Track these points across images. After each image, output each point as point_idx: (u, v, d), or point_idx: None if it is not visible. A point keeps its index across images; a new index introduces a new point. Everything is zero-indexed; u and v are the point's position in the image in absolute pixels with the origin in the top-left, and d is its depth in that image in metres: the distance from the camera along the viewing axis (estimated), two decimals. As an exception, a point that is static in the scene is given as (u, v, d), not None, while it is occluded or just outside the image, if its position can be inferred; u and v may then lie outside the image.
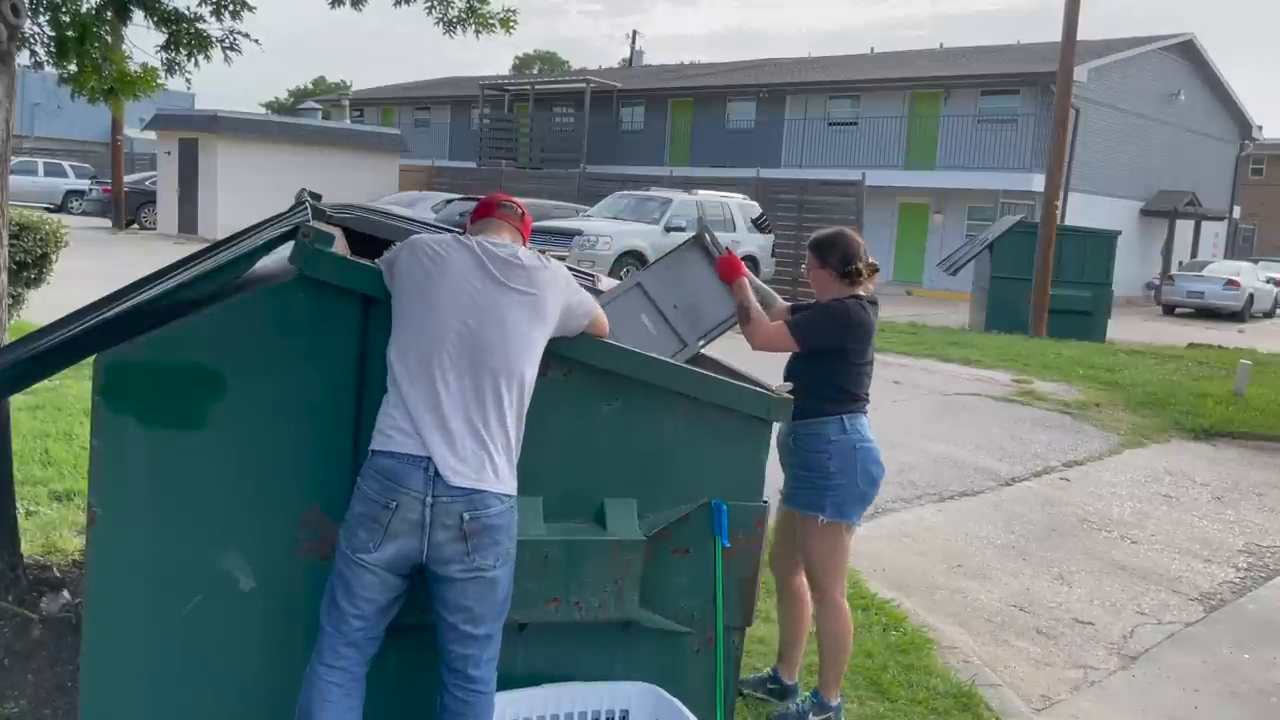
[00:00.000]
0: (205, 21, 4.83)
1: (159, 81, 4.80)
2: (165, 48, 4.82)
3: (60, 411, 6.22)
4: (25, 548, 3.88)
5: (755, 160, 26.31)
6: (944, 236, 25.67)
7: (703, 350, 3.32)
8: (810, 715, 3.51)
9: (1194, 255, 30.12)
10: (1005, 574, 5.48)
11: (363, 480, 2.40)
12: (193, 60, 4.87)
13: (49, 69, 4.66)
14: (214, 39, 4.87)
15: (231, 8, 4.87)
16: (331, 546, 2.48)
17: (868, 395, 3.49)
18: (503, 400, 2.43)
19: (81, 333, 2.62)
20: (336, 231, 2.61)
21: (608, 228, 16.82)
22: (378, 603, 2.42)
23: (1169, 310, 25.51)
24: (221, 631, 2.56)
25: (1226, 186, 32.99)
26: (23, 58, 4.23)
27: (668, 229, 16.88)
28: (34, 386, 5.24)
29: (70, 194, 30.14)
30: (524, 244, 2.70)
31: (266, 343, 2.50)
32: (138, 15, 4.64)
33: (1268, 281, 26.93)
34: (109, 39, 4.52)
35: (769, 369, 3.44)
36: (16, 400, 5.60)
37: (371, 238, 3.27)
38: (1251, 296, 25.03)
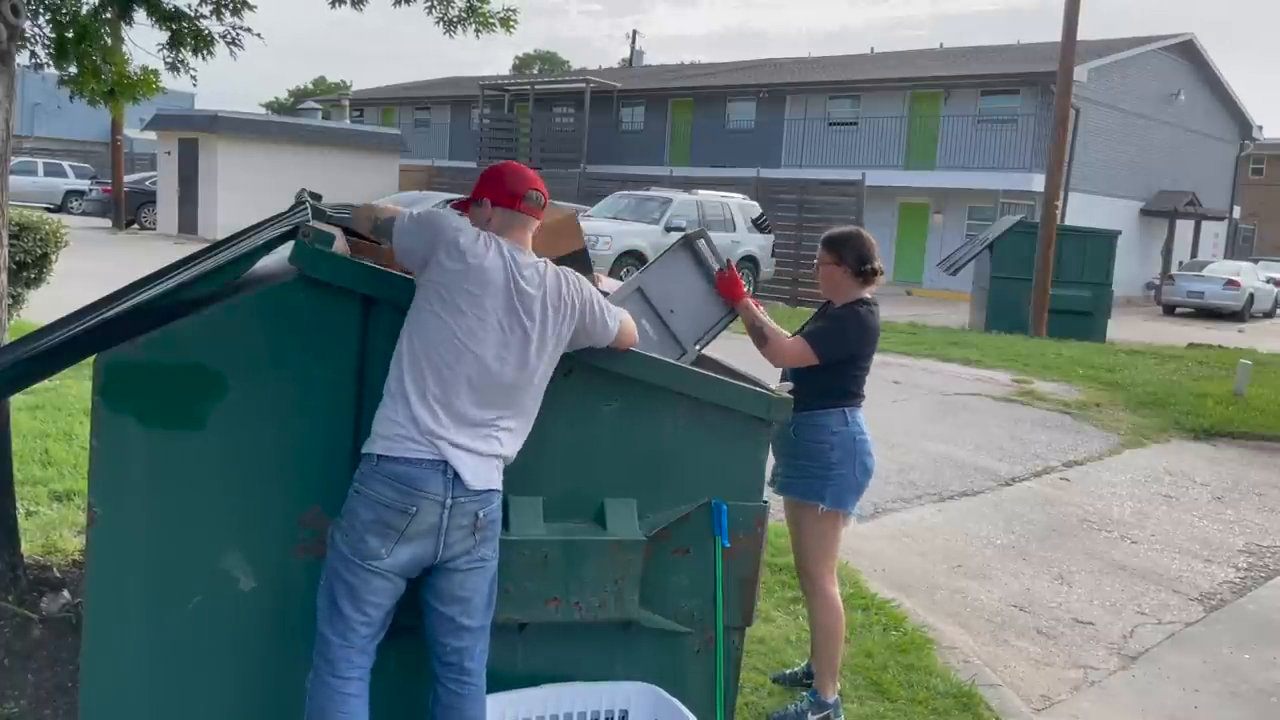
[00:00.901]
0: (206, 19, 4.83)
1: (159, 85, 4.80)
2: (168, 46, 4.82)
3: (60, 411, 6.22)
4: (25, 548, 3.88)
5: (755, 160, 26.30)
6: (944, 236, 25.67)
7: (703, 350, 3.33)
8: (809, 715, 3.51)
9: (1194, 255, 30.13)
10: (1005, 574, 5.48)
11: (368, 486, 2.37)
12: (199, 56, 4.87)
13: (49, 70, 4.66)
14: (216, 35, 4.86)
15: (232, 6, 4.86)
16: (331, 546, 2.48)
17: (864, 391, 3.55)
18: (515, 416, 2.49)
19: (81, 333, 2.62)
20: (336, 231, 2.61)
21: (608, 228, 16.82)
22: (385, 607, 2.43)
23: (1169, 310, 25.52)
24: (221, 631, 2.56)
25: (1226, 186, 32.99)
26: (23, 58, 4.23)
27: (668, 229, 16.87)
28: (34, 386, 5.24)
29: (70, 194, 30.14)
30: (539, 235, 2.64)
31: (266, 343, 2.50)
32: (139, 15, 4.64)
33: (1268, 281, 26.93)
34: (108, 40, 4.52)
35: (769, 369, 3.45)
36: (16, 400, 5.60)
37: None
38: (1251, 296, 25.03)
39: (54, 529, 4.39)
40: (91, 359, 2.49)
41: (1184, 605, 5.23)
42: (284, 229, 2.69)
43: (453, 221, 2.46)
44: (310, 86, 59.61)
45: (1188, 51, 29.28)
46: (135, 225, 25.80)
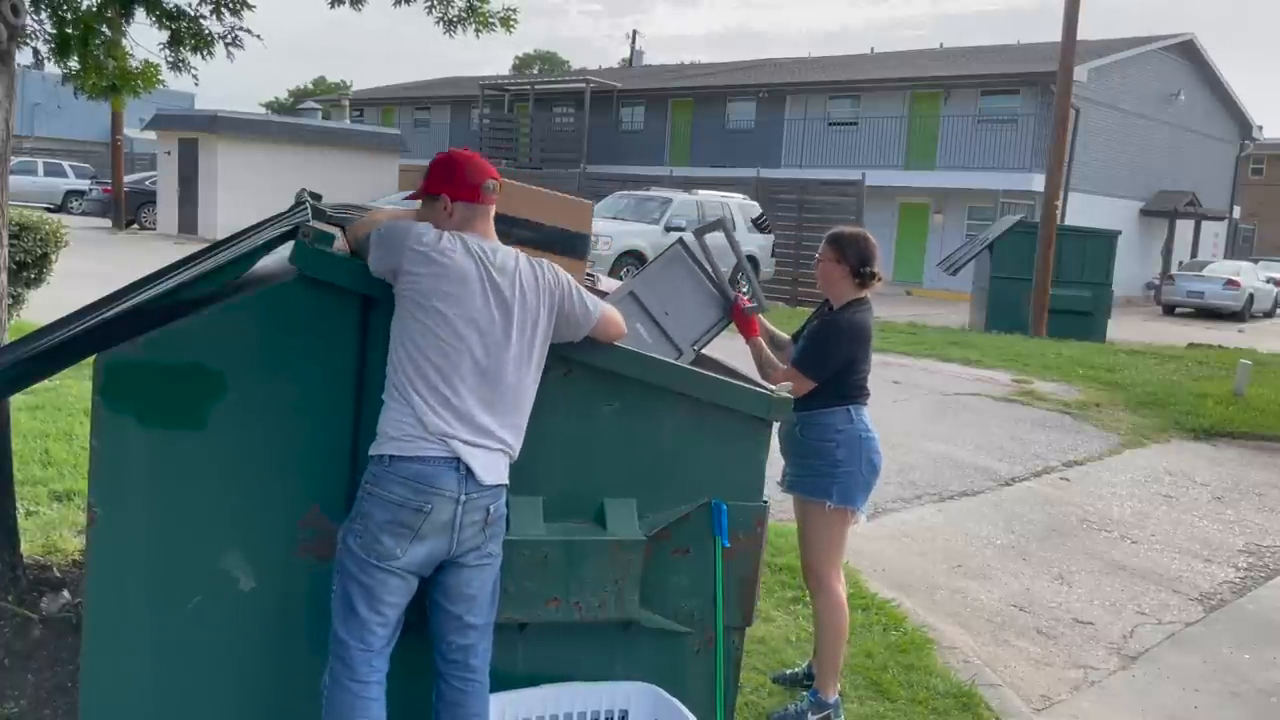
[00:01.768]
0: (206, 19, 4.83)
1: (160, 78, 4.80)
2: (169, 45, 4.82)
3: (60, 411, 6.22)
4: (25, 548, 3.88)
5: (755, 160, 26.29)
6: (944, 236, 25.67)
7: (703, 350, 3.33)
8: (809, 714, 3.52)
9: (1194, 255, 30.12)
10: (1005, 574, 5.48)
11: (382, 487, 2.37)
12: (199, 55, 4.87)
13: (50, 68, 4.66)
14: (216, 35, 4.86)
15: (231, 6, 4.86)
16: (331, 546, 2.48)
17: (869, 388, 3.55)
18: (513, 410, 2.49)
19: (81, 333, 2.62)
20: (336, 231, 2.61)
21: (608, 228, 16.81)
22: (400, 607, 2.44)
23: (1169, 310, 25.51)
24: (221, 631, 2.56)
25: (1226, 186, 32.99)
26: (24, 56, 4.23)
27: (668, 229, 16.87)
28: (34, 386, 5.24)
29: (70, 194, 30.13)
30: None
31: (266, 343, 2.50)
32: (139, 14, 4.64)
33: (1268, 281, 26.93)
34: (111, 35, 4.52)
35: (769, 369, 3.45)
36: (16, 400, 5.60)
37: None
38: (1251, 296, 25.03)
39: (54, 529, 4.39)
40: (91, 359, 2.49)
41: (1184, 605, 5.23)
42: (284, 229, 2.68)
43: (414, 230, 2.43)
44: (310, 86, 59.61)
45: (1188, 51, 29.28)
46: (135, 225, 25.80)
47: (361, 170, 26.14)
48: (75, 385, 6.60)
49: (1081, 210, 23.33)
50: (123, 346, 2.44)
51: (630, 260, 16.09)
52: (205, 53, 4.87)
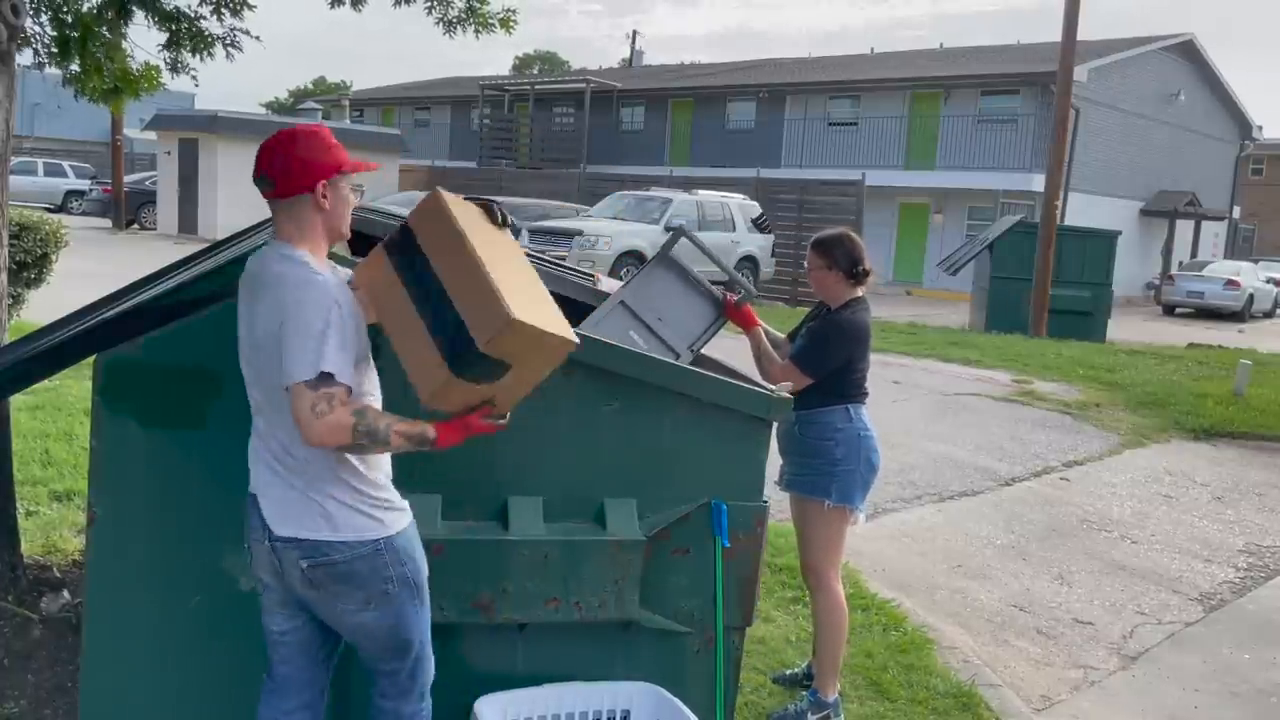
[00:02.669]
0: (206, 20, 4.84)
1: (161, 80, 4.80)
2: (167, 46, 4.82)
3: (60, 411, 6.22)
4: (25, 548, 3.88)
5: (755, 160, 26.30)
6: (944, 236, 25.67)
7: (702, 350, 3.33)
8: (809, 714, 3.52)
9: (1194, 255, 30.12)
10: (1005, 574, 5.48)
11: None
12: (197, 57, 4.88)
13: (51, 69, 4.66)
14: (215, 37, 4.87)
15: (231, 6, 4.87)
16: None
17: (867, 387, 3.57)
18: (292, 439, 2.12)
19: (81, 333, 2.62)
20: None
21: (608, 228, 16.82)
22: (286, 634, 2.30)
23: (1169, 310, 25.51)
24: (221, 631, 2.56)
25: (1226, 186, 32.98)
26: (25, 57, 4.23)
27: (668, 229, 16.86)
28: (34, 386, 5.24)
29: (70, 194, 30.14)
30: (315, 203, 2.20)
31: (266, 343, 2.50)
32: (138, 15, 4.64)
33: (1268, 281, 26.93)
34: (111, 38, 4.52)
35: (769, 369, 3.45)
36: (16, 400, 5.60)
37: (371, 238, 3.28)
38: (1251, 296, 25.03)
39: (54, 529, 4.40)
40: (91, 359, 2.49)
41: (1184, 605, 5.23)
42: (284, 229, 2.68)
43: (330, 297, 2.08)
44: (310, 86, 59.61)
45: (1188, 51, 29.28)
46: (135, 225, 25.81)
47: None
48: (75, 385, 6.60)
49: (1081, 210, 23.32)
50: (123, 346, 2.44)
51: (630, 260, 16.09)
52: (204, 54, 4.87)
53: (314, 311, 2.03)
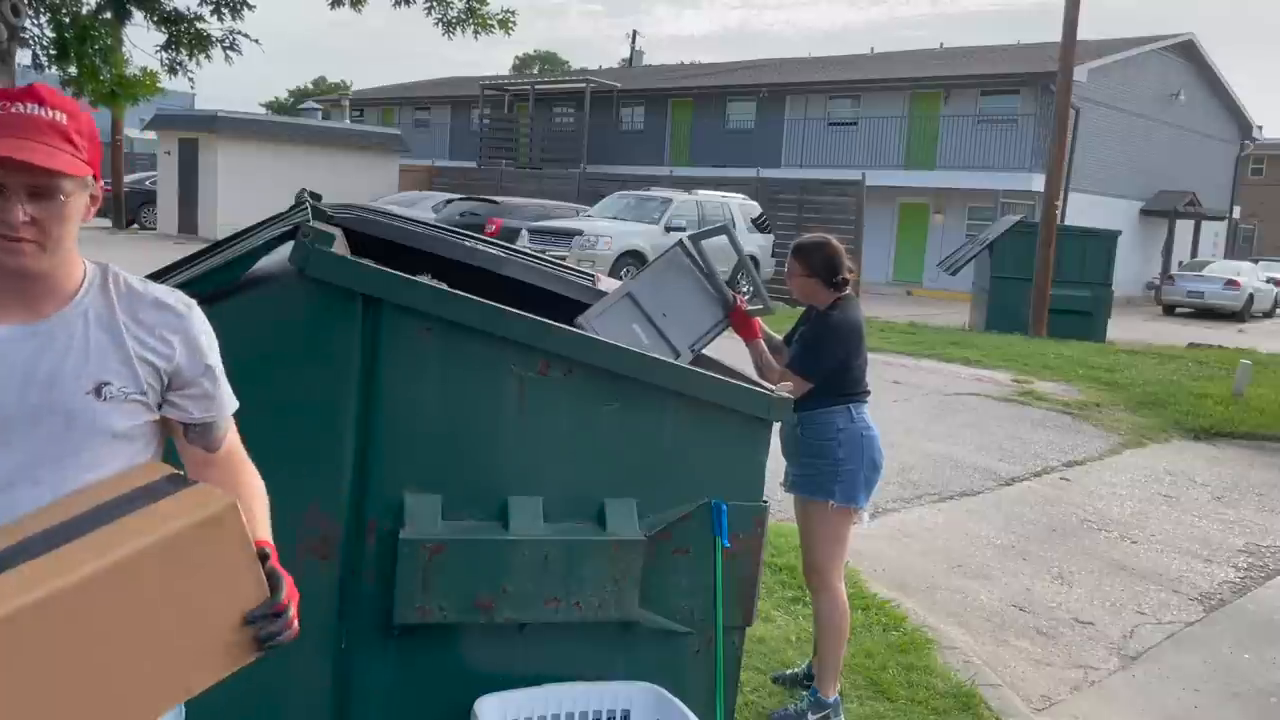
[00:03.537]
0: (205, 21, 4.85)
1: (159, 85, 4.81)
2: (165, 47, 4.83)
3: (60, 412, 6.22)
4: (25, 548, 3.87)
5: (755, 160, 26.32)
6: (944, 236, 25.67)
7: (703, 350, 3.33)
8: (809, 714, 3.52)
9: (1194, 255, 30.13)
10: (1005, 574, 5.48)
11: None
12: (194, 60, 4.89)
13: (49, 70, 4.67)
14: (214, 39, 4.88)
15: (231, 6, 4.87)
16: (332, 546, 2.48)
17: (868, 385, 3.57)
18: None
19: (81, 333, 2.61)
20: (336, 231, 2.61)
21: (608, 228, 16.82)
22: None
23: (1169, 310, 25.52)
24: (221, 631, 2.56)
25: (1226, 186, 32.99)
26: (24, 58, 4.24)
27: (668, 229, 16.87)
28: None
29: (70, 194, 30.09)
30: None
31: (266, 343, 2.50)
32: (137, 16, 4.64)
33: (1268, 281, 26.94)
34: (108, 41, 4.53)
35: (769, 369, 3.45)
36: (17, 400, 5.59)
37: (371, 238, 3.28)
38: (1251, 296, 25.04)
39: (54, 529, 4.39)
40: (91, 359, 2.49)
41: (1184, 605, 5.23)
42: (284, 229, 2.69)
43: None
44: (310, 87, 59.62)
45: (1188, 51, 29.28)
46: (135, 225, 25.83)
47: (361, 170, 26.16)
48: (75, 385, 6.60)
49: (1081, 210, 23.33)
50: (123, 347, 2.44)
51: (630, 260, 16.09)
52: (203, 56, 4.89)
53: None
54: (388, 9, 5.54)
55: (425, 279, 2.68)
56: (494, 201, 20.68)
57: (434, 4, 5.03)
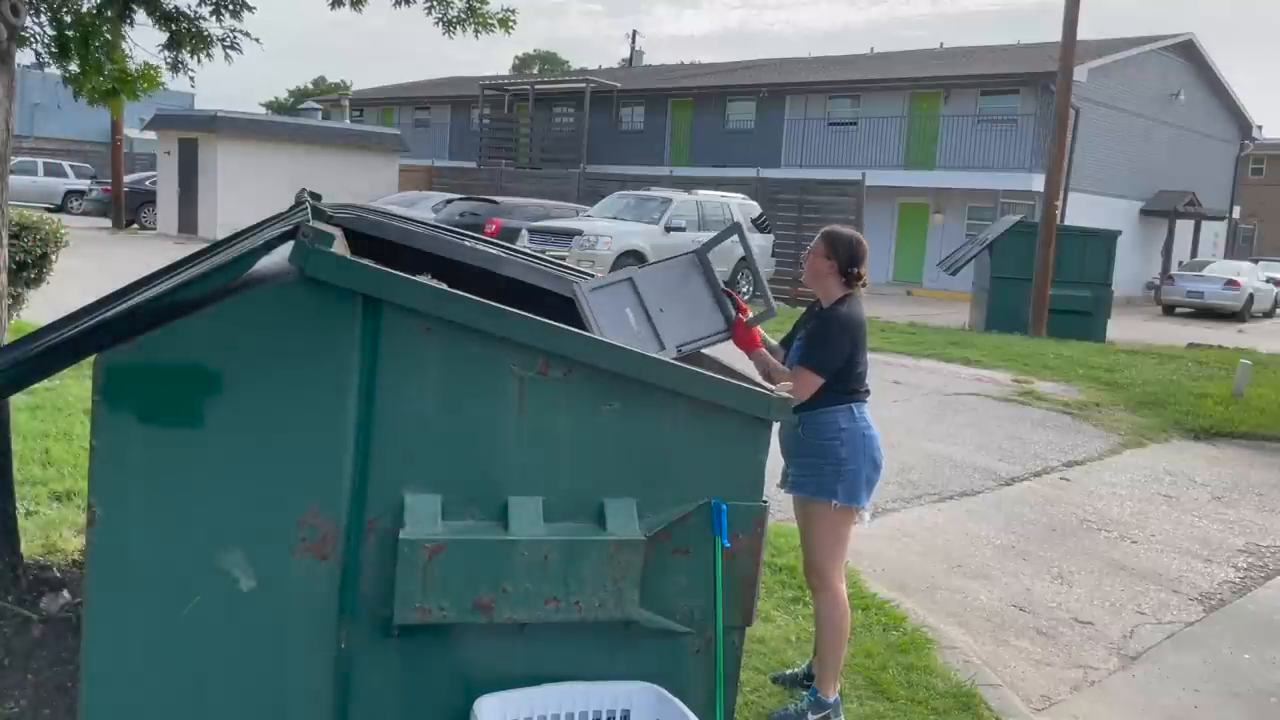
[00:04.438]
0: (206, 20, 4.85)
1: (160, 81, 4.81)
2: (167, 46, 4.83)
3: (60, 411, 6.22)
4: (25, 548, 3.88)
5: (755, 160, 26.33)
6: (944, 236, 25.67)
7: (703, 351, 3.33)
8: (809, 714, 3.52)
9: (1194, 255, 30.14)
10: (1005, 574, 5.48)
11: None
12: (195, 59, 4.89)
13: (51, 69, 4.67)
14: (215, 38, 4.88)
15: (231, 7, 4.87)
16: (331, 546, 2.48)
17: (868, 385, 3.58)
18: None
19: (81, 333, 2.61)
20: (336, 231, 2.61)
21: (608, 228, 16.82)
22: None
23: (1169, 310, 25.53)
24: (221, 631, 2.56)
25: (1226, 186, 32.99)
26: (24, 57, 4.23)
27: (668, 229, 16.88)
28: (34, 386, 5.24)
29: (70, 194, 30.15)
30: None
31: (266, 343, 2.50)
32: (139, 15, 4.64)
33: (1268, 281, 26.95)
34: (110, 38, 4.53)
35: (769, 369, 3.45)
36: (16, 400, 5.59)
37: (371, 238, 3.28)
38: (1251, 296, 25.05)
39: (54, 529, 4.39)
40: (91, 359, 2.49)
41: (1184, 605, 5.23)
42: (284, 229, 2.68)
43: None
44: (310, 86, 59.59)
45: (1188, 51, 29.28)
46: (135, 225, 25.81)
47: (361, 170, 26.15)
48: (75, 385, 6.60)
49: (1081, 210, 23.33)
50: (122, 346, 2.44)
51: (630, 260, 16.08)
52: (204, 54, 4.88)
53: None
54: (388, 9, 5.54)
55: (425, 279, 2.68)
56: (494, 201, 20.68)
57: (434, 3, 5.02)
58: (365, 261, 2.54)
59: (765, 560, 3.90)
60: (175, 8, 4.77)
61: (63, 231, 7.53)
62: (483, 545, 2.61)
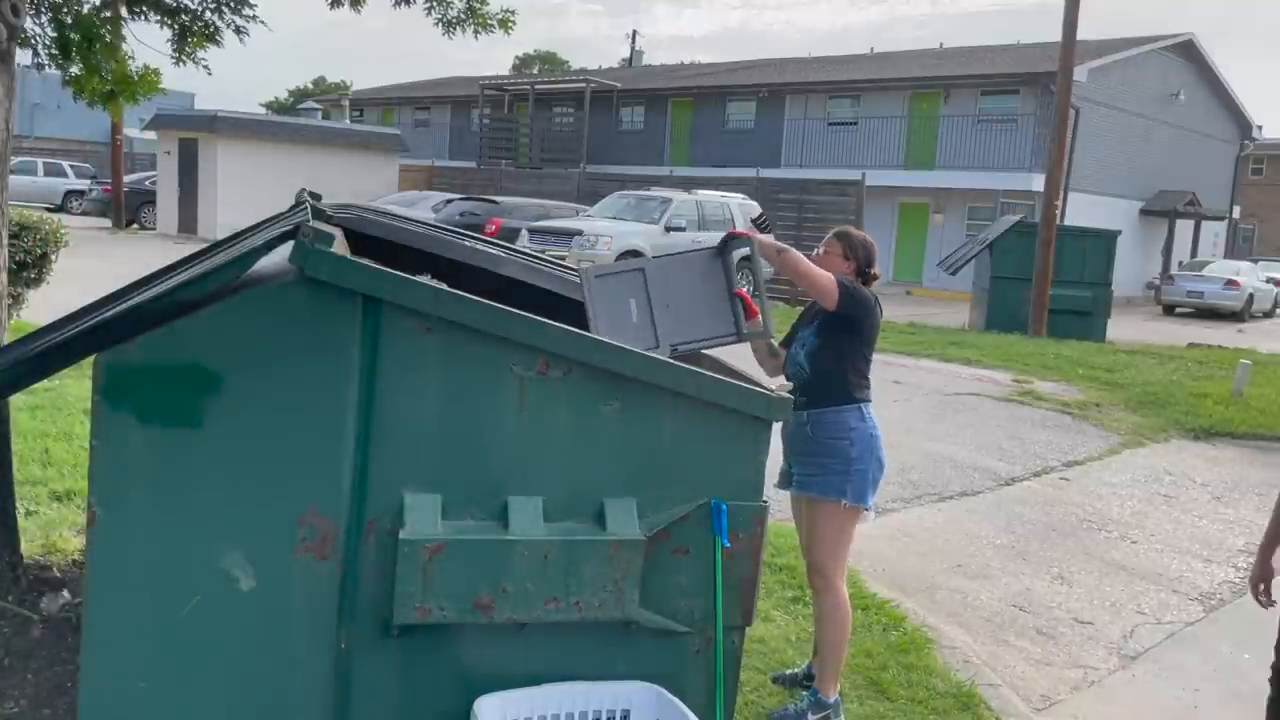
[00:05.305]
0: (211, 12, 4.85)
1: (159, 84, 4.81)
2: (176, 40, 4.84)
3: (60, 411, 6.22)
4: (25, 548, 3.88)
5: (755, 160, 26.33)
6: (944, 236, 25.67)
7: (702, 351, 3.33)
8: (809, 714, 3.52)
9: (1194, 255, 30.14)
10: (1005, 574, 5.48)
11: None
12: (204, 48, 4.89)
13: (50, 69, 4.67)
14: (220, 26, 4.88)
15: (232, 4, 4.88)
16: (331, 546, 2.48)
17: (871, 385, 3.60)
18: None
19: (81, 333, 2.61)
20: (336, 231, 2.61)
21: (608, 228, 16.82)
22: None
23: (1169, 310, 25.52)
24: (221, 631, 2.56)
25: (1226, 186, 32.99)
26: (25, 58, 4.23)
27: (668, 229, 16.88)
28: (34, 386, 5.24)
29: (70, 194, 30.14)
30: None
31: (266, 343, 2.50)
32: (142, 13, 4.65)
33: (1268, 281, 26.95)
34: (110, 39, 4.53)
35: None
36: (16, 400, 5.59)
37: (371, 238, 3.28)
38: (1251, 296, 25.05)
39: (54, 529, 4.39)
40: (91, 359, 2.49)
41: (1184, 605, 5.23)
42: (284, 229, 2.68)
43: None
44: (310, 86, 59.59)
45: (1188, 51, 29.28)
46: (135, 225, 25.81)
47: (361, 170, 26.16)
48: (75, 385, 6.60)
49: (1081, 210, 23.33)
50: (122, 346, 2.44)
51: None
52: (213, 41, 4.88)
53: None
54: (388, 9, 5.54)
55: (425, 279, 2.68)
56: (494, 201, 20.68)
57: (434, 4, 5.02)
58: (365, 261, 2.54)
59: (765, 560, 3.90)
60: (178, 2, 4.77)
61: (63, 231, 7.53)
62: (483, 545, 2.61)
